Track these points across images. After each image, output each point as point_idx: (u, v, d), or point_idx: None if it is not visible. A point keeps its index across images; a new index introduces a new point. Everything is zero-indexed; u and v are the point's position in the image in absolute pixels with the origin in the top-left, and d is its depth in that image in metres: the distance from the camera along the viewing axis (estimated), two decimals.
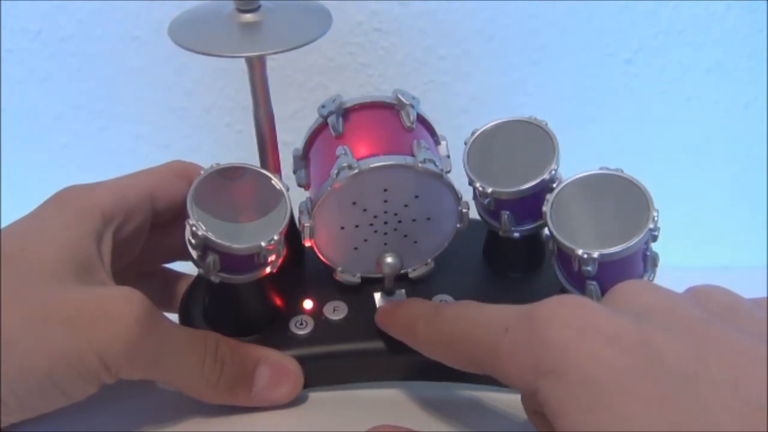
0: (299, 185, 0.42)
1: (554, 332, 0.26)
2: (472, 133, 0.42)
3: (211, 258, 0.37)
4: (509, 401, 0.39)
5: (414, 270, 0.42)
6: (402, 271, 0.41)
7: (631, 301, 0.29)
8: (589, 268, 0.35)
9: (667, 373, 0.25)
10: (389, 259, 0.39)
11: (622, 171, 0.37)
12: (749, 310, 0.28)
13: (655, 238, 0.37)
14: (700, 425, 0.23)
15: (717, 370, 0.24)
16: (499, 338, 0.29)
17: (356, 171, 0.37)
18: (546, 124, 0.41)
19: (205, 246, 0.37)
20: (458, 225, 0.40)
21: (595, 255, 0.35)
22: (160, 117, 0.64)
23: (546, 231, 0.39)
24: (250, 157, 0.41)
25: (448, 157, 0.41)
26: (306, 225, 0.39)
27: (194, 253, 0.38)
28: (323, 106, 0.40)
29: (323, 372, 0.40)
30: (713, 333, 0.26)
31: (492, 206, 0.41)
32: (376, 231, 0.40)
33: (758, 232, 0.66)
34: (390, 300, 0.41)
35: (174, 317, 0.41)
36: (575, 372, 0.25)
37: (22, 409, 0.33)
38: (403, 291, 0.41)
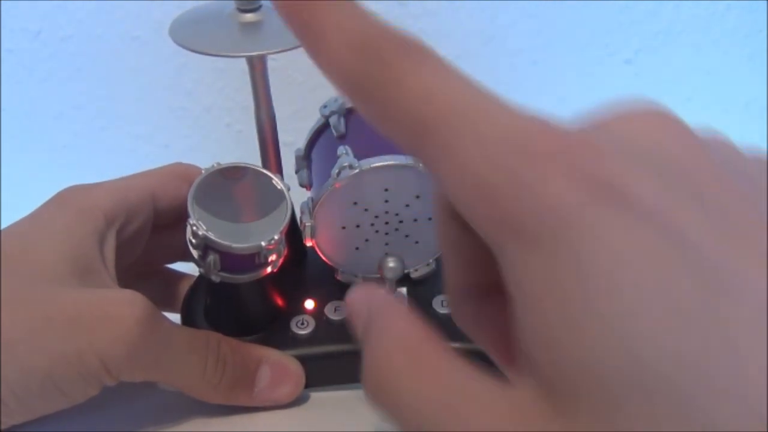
0: (301, 185, 0.42)
1: (553, 179, 0.18)
2: None
3: (211, 258, 0.37)
4: None
5: (416, 270, 0.42)
6: (404, 272, 0.41)
7: (649, 143, 0.20)
8: None
9: (698, 274, 0.17)
10: (391, 264, 0.39)
11: None
12: None
13: None
14: (712, 356, 0.16)
15: (754, 277, 0.17)
16: (470, 153, 0.19)
17: (357, 170, 0.37)
18: None
19: (206, 245, 0.37)
20: None
21: None
22: (160, 117, 0.64)
23: None
24: (251, 157, 0.41)
25: None
26: (307, 224, 0.39)
27: (195, 253, 0.38)
28: (325, 106, 0.40)
29: (324, 372, 0.40)
30: (752, 217, 0.18)
31: None
32: (377, 231, 0.40)
33: None
34: None
35: (176, 317, 0.41)
36: (572, 246, 0.18)
37: (23, 411, 0.33)
38: (405, 290, 0.41)
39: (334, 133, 0.40)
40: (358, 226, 0.40)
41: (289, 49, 0.37)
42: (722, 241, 0.18)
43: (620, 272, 0.17)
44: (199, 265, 0.38)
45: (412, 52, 0.21)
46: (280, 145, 0.43)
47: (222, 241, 0.36)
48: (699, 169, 0.19)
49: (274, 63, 0.40)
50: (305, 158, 0.42)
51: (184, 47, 0.37)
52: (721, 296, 0.17)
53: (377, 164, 0.37)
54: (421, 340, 0.21)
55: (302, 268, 0.43)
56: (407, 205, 0.39)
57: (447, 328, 0.42)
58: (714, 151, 0.20)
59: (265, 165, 0.42)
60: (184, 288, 0.44)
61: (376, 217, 0.39)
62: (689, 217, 0.18)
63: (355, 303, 0.23)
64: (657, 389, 0.16)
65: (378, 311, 0.22)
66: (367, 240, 0.40)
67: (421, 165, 0.37)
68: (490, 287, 0.22)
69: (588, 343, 0.17)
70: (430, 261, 0.42)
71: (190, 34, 0.37)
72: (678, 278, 0.17)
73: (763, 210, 0.19)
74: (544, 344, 0.18)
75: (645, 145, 0.19)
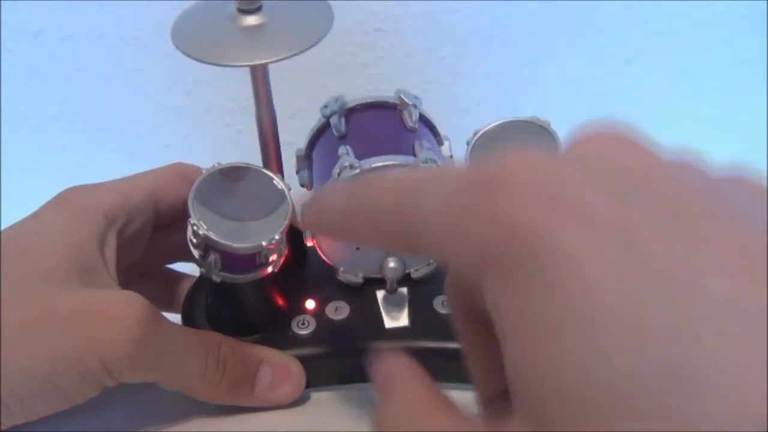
0: (302, 185, 0.42)
1: (511, 204, 0.19)
2: (475, 133, 0.42)
3: (212, 257, 0.37)
4: None
5: (416, 270, 0.42)
6: (405, 272, 0.41)
7: (606, 160, 0.20)
8: None
9: (655, 281, 0.17)
10: (392, 264, 0.39)
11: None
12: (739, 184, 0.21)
13: None
14: (684, 356, 0.16)
15: (714, 277, 0.17)
16: (437, 208, 0.21)
17: (358, 170, 0.37)
18: (548, 123, 0.41)
19: (207, 245, 0.37)
20: None
21: None
22: (160, 117, 0.64)
23: None
24: (251, 157, 0.41)
25: (451, 157, 0.41)
26: None
27: (196, 253, 0.38)
28: (326, 106, 0.40)
29: (325, 372, 0.40)
30: (705, 222, 0.19)
31: None
32: None
33: None
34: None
35: (176, 318, 0.41)
36: (535, 267, 0.18)
37: (23, 411, 0.33)
38: (405, 290, 0.41)
39: (335, 133, 0.40)
40: None
41: (292, 56, 0.37)
42: (673, 248, 0.18)
43: (590, 300, 0.17)
44: (199, 265, 0.38)
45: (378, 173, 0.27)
46: (281, 145, 0.43)
47: (223, 241, 0.36)
48: (652, 180, 0.19)
49: (274, 64, 0.40)
50: (306, 158, 0.42)
51: (189, 57, 0.37)
52: (683, 303, 0.17)
53: (378, 164, 0.37)
54: (428, 399, 0.23)
55: (303, 268, 0.43)
56: None
57: (447, 328, 0.42)
58: (671, 165, 0.20)
59: (265, 165, 0.42)
60: (185, 288, 0.43)
61: None
62: (642, 225, 0.18)
63: (378, 370, 0.27)
64: (645, 415, 0.16)
65: (397, 372, 0.25)
66: None
67: (421, 165, 0.37)
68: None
69: (567, 377, 0.17)
70: (431, 261, 0.42)
71: (193, 41, 0.38)
72: (643, 296, 0.17)
73: (719, 213, 0.19)
74: (527, 381, 0.18)
75: (601, 164, 0.20)
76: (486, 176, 0.20)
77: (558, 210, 0.18)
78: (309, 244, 0.40)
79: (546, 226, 0.18)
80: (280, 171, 0.43)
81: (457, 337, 0.26)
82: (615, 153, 0.21)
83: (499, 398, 0.24)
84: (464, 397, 0.40)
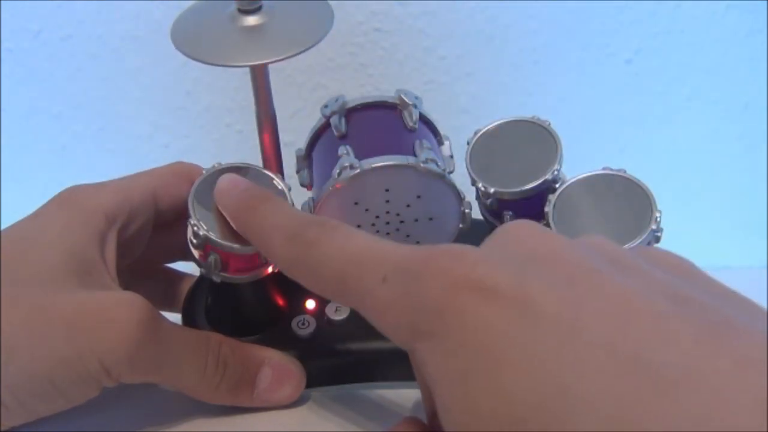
0: (302, 185, 0.42)
1: (430, 288, 0.24)
2: (475, 133, 0.42)
3: (212, 258, 0.37)
4: None
5: None
6: None
7: (516, 246, 0.25)
8: None
9: (543, 332, 0.22)
10: None
11: (625, 171, 0.37)
12: (643, 262, 0.25)
13: (657, 239, 0.37)
14: (572, 392, 0.21)
15: (594, 326, 0.22)
16: (375, 287, 0.26)
17: (358, 171, 0.37)
18: (549, 123, 0.41)
19: (207, 246, 0.37)
20: (461, 225, 0.40)
21: None
22: (160, 117, 0.64)
23: None
24: (251, 157, 0.41)
25: (452, 157, 0.41)
26: None
27: (196, 253, 0.38)
28: (326, 106, 0.40)
29: (325, 372, 0.40)
30: (596, 281, 0.23)
31: (495, 207, 0.41)
32: (378, 231, 0.40)
33: (758, 232, 0.66)
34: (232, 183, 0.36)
35: (176, 318, 0.41)
36: (450, 335, 0.23)
37: (23, 412, 0.33)
38: None
39: (335, 133, 0.40)
40: (359, 226, 0.39)
41: (292, 56, 0.37)
42: (563, 303, 0.22)
43: (490, 351, 0.22)
44: (200, 266, 0.38)
45: (326, 227, 0.29)
46: (281, 145, 0.43)
47: (223, 242, 0.36)
48: (552, 257, 0.24)
49: (274, 64, 0.40)
50: (306, 158, 0.42)
51: (188, 56, 0.37)
52: (574, 348, 0.21)
53: (378, 164, 0.37)
54: None
55: None
56: (408, 206, 0.39)
57: None
58: (574, 246, 0.25)
59: (265, 165, 0.42)
60: (185, 288, 0.44)
61: (377, 217, 0.39)
62: (538, 291, 0.23)
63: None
64: None
65: None
66: None
67: (421, 165, 0.37)
68: None
69: (475, 415, 0.22)
70: None
71: (193, 41, 0.38)
72: (539, 348, 0.22)
73: (608, 277, 0.23)
74: (448, 423, 0.23)
75: (511, 248, 0.25)
76: (414, 263, 0.25)
77: (468, 289, 0.23)
78: None
79: (458, 303, 0.23)
80: (280, 171, 0.43)
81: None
82: (527, 240, 0.25)
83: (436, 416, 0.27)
84: None
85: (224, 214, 0.36)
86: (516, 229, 0.26)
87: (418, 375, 0.28)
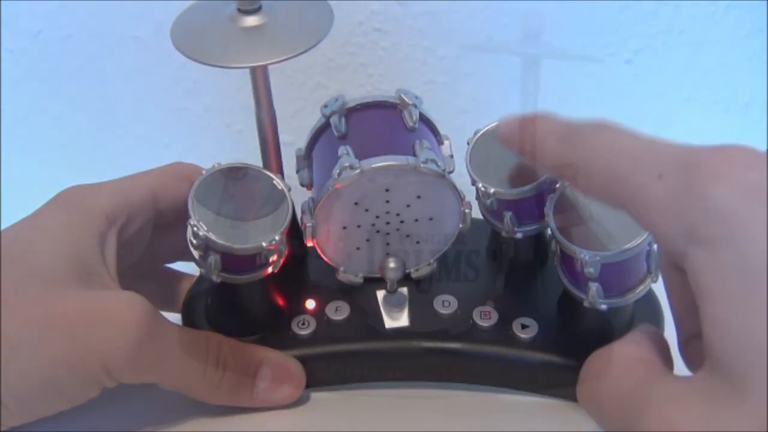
0: (302, 185, 0.42)
1: (715, 191, 0.22)
2: (475, 133, 0.42)
3: (212, 258, 0.37)
4: (510, 402, 0.39)
5: (416, 270, 0.42)
6: (405, 272, 0.41)
7: None
8: (591, 270, 0.35)
9: None
10: (392, 264, 0.39)
11: None
12: None
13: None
14: None
15: None
16: (650, 183, 0.24)
17: (358, 171, 0.37)
18: None
19: (207, 246, 0.37)
20: (460, 225, 0.40)
21: (598, 257, 0.35)
22: (160, 117, 0.64)
23: (549, 231, 0.39)
24: (251, 157, 0.41)
25: (452, 157, 0.41)
26: (308, 225, 0.39)
27: (196, 254, 0.38)
28: (326, 106, 0.40)
29: (325, 372, 0.40)
30: None
31: (494, 207, 0.41)
32: (378, 231, 0.40)
33: None
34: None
35: (176, 318, 0.41)
36: (737, 246, 0.21)
37: (23, 412, 0.33)
38: (406, 290, 0.41)
39: (335, 133, 0.40)
40: (359, 226, 0.39)
41: (292, 57, 0.37)
42: None
43: None
44: (199, 266, 0.38)
45: (598, 126, 0.28)
46: (281, 145, 0.43)
47: (223, 242, 0.36)
48: None
49: (274, 64, 0.40)
50: (306, 158, 0.42)
51: (187, 57, 0.37)
52: None
53: (378, 164, 0.37)
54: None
55: (303, 268, 0.43)
56: (408, 206, 0.39)
57: (447, 328, 0.42)
58: None
59: (265, 165, 0.42)
60: (185, 288, 0.44)
61: (377, 217, 0.39)
62: None
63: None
64: None
65: None
66: (368, 240, 0.40)
67: (421, 165, 0.37)
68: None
69: (756, 336, 0.21)
70: (431, 261, 0.42)
71: (193, 43, 0.38)
72: None
73: None
74: (719, 337, 0.22)
75: None
76: (697, 162, 0.23)
77: (757, 199, 0.21)
78: (309, 244, 0.40)
79: (749, 212, 0.21)
80: (280, 171, 0.43)
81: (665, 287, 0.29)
82: None
83: (694, 339, 0.27)
84: (467, 397, 0.40)
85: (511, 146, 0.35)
86: None
87: (678, 289, 0.26)
